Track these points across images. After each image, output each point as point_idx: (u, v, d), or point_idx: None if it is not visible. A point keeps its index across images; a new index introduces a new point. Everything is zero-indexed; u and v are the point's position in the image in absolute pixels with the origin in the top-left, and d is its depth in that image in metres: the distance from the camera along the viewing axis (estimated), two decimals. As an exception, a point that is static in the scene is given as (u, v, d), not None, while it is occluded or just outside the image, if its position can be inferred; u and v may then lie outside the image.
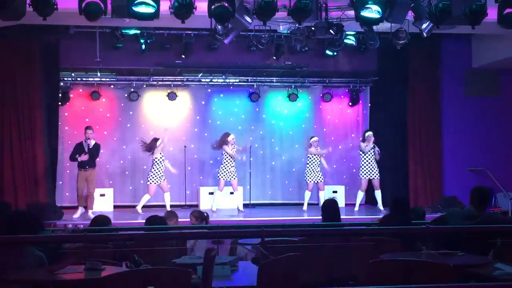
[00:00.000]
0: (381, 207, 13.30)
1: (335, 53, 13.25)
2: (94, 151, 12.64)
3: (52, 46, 13.09)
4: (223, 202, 14.16)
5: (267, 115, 15.68)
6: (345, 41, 12.18)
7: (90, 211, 12.31)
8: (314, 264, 6.03)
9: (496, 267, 5.02)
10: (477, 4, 9.09)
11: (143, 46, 13.06)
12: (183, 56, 13.28)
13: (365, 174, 13.46)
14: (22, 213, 5.76)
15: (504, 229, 6.08)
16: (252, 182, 14.95)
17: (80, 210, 12.45)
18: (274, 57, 13.63)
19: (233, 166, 13.57)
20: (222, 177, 13.52)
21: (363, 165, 13.49)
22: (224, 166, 13.54)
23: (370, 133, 13.62)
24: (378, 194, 13.44)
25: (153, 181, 13.13)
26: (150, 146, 13.22)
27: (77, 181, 12.63)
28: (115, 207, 13.98)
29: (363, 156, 13.49)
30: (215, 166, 15.20)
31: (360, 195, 13.70)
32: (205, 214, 8.12)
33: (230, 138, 13.60)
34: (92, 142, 12.59)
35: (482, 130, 14.27)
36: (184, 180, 14.79)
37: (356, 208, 13.61)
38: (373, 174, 13.41)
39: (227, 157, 13.55)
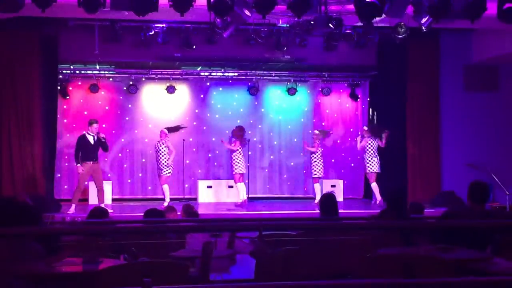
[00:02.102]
0: (378, 199, 13.32)
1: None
2: (105, 144, 12.47)
3: (51, 38, 13.05)
4: (222, 196, 14.17)
5: (266, 109, 15.67)
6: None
7: (102, 205, 11.94)
8: (312, 257, 6.03)
9: (494, 262, 5.02)
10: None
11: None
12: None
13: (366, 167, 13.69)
14: (20, 206, 5.75)
15: (502, 224, 6.07)
16: (250, 175, 14.95)
17: (75, 205, 12.16)
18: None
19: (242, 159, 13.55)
20: (237, 170, 13.45)
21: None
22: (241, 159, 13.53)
23: (364, 127, 13.87)
24: (373, 188, 13.49)
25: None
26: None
27: (80, 174, 12.28)
28: (113, 200, 13.97)
29: None
30: (213, 160, 15.23)
31: (373, 187, 13.64)
32: (197, 214, 8.09)
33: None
34: (102, 135, 12.40)
35: (481, 125, 14.26)
36: (183, 173, 14.80)
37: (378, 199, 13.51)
38: (366, 168, 13.56)
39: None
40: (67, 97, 14.46)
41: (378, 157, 13.52)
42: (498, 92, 14.50)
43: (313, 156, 13.92)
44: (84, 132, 12.42)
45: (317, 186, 13.97)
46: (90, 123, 12.44)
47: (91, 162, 12.21)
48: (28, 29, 12.52)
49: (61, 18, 12.05)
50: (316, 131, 14.27)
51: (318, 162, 13.84)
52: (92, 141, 12.26)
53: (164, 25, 12.80)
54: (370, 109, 15.40)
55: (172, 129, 13.80)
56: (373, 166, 13.47)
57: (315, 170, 13.86)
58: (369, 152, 13.50)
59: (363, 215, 11.13)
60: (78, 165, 12.18)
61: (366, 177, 13.93)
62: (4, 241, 5.05)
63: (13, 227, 5.03)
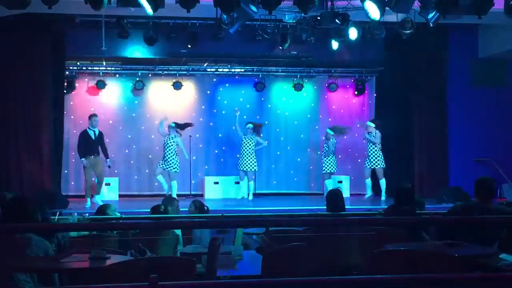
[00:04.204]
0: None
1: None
2: (101, 139, 12.79)
3: (57, 35, 13.05)
4: (229, 192, 14.18)
5: (272, 105, 15.67)
6: (350, 31, 12.04)
7: (97, 197, 12.44)
8: (318, 253, 6.04)
9: (501, 258, 5.01)
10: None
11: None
12: (189, 46, 13.20)
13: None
14: (27, 201, 5.77)
15: (509, 220, 6.06)
16: (257, 172, 14.94)
17: (89, 199, 12.48)
18: (280, 47, 13.52)
19: (251, 155, 13.67)
20: (240, 167, 13.68)
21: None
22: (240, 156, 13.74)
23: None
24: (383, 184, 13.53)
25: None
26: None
27: (85, 169, 12.68)
28: (120, 196, 13.99)
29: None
30: (220, 156, 15.22)
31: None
32: (206, 207, 8.11)
33: (248, 126, 13.81)
34: (97, 130, 12.75)
35: (488, 120, 14.21)
36: (189, 169, 14.80)
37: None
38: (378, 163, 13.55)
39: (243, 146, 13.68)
40: (75, 93, 14.51)
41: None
42: (505, 87, 14.44)
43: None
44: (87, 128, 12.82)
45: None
46: (89, 117, 12.86)
47: (92, 156, 12.59)
48: (35, 26, 12.51)
49: (68, 14, 12.06)
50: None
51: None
52: (93, 136, 12.65)
53: (171, 21, 12.80)
54: (377, 104, 15.37)
55: (180, 126, 13.73)
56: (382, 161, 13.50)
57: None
58: (377, 147, 13.47)
59: (370, 211, 11.13)
60: (82, 159, 12.61)
61: (375, 172, 13.78)
62: (12, 237, 5.07)
63: (21, 223, 5.06)
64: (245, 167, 13.70)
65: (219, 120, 15.23)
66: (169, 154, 13.20)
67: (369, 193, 13.65)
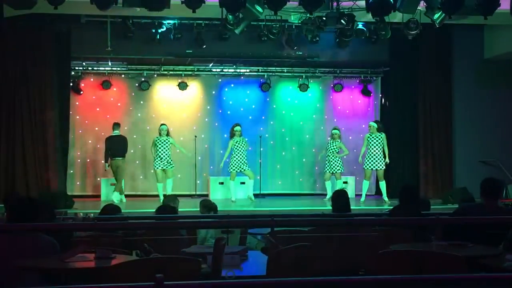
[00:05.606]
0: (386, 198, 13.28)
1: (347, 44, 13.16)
2: None
3: (63, 35, 13.09)
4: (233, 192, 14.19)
5: (278, 105, 15.66)
6: (355, 31, 12.01)
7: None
8: (324, 254, 6.03)
9: (507, 259, 5.01)
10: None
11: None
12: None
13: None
14: (34, 201, 5.78)
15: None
16: (262, 172, 14.95)
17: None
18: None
19: (241, 156, 13.49)
20: (231, 168, 13.49)
21: None
22: (232, 157, 13.49)
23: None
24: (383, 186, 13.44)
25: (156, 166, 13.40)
26: None
27: None
28: (125, 196, 13.99)
29: None
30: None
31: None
32: (214, 204, 8.13)
33: (235, 129, 13.57)
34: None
35: (493, 121, 14.18)
36: (194, 170, 14.81)
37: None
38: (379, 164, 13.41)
39: (233, 148, 13.49)
40: (81, 93, 14.56)
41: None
42: (511, 88, 14.39)
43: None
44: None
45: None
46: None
47: None
48: (41, 26, 12.55)
49: (73, 14, 12.09)
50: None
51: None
52: None
53: (176, 21, 12.82)
54: (382, 105, 15.35)
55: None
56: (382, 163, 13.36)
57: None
58: (379, 148, 13.35)
59: (375, 211, 11.13)
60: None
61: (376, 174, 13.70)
62: (19, 236, 5.09)
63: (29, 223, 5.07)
64: (240, 168, 13.53)
65: (224, 120, 15.22)
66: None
67: (363, 196, 13.59)
